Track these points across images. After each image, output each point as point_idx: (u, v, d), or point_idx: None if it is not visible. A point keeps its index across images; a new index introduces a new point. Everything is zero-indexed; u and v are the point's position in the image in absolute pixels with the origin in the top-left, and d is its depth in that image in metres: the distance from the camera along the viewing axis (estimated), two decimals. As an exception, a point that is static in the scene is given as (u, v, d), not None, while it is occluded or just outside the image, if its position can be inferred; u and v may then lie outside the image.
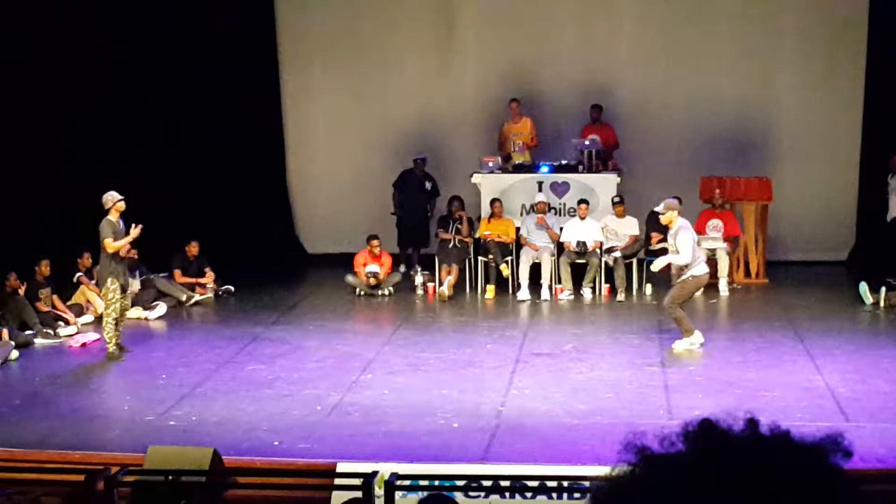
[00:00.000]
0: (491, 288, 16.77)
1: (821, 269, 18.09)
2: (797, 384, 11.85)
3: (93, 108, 17.60)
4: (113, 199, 13.29)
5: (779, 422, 1.79)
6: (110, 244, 13.16)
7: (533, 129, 18.19)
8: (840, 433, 1.78)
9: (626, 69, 18.81)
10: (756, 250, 17.47)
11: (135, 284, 15.69)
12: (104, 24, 17.48)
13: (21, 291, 14.67)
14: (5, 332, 13.62)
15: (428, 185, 17.99)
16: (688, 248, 12.99)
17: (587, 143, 17.51)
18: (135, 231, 13.29)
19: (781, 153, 18.65)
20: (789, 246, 18.54)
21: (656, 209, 13.65)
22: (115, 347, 13.33)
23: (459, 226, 17.10)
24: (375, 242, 16.90)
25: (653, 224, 16.90)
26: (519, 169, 17.65)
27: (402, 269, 17.62)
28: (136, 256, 15.88)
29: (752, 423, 1.78)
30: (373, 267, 16.79)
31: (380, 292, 16.82)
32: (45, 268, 15.16)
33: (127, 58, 17.81)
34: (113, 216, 13.26)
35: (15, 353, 13.49)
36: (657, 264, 13.69)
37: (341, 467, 9.03)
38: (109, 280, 13.25)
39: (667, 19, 18.68)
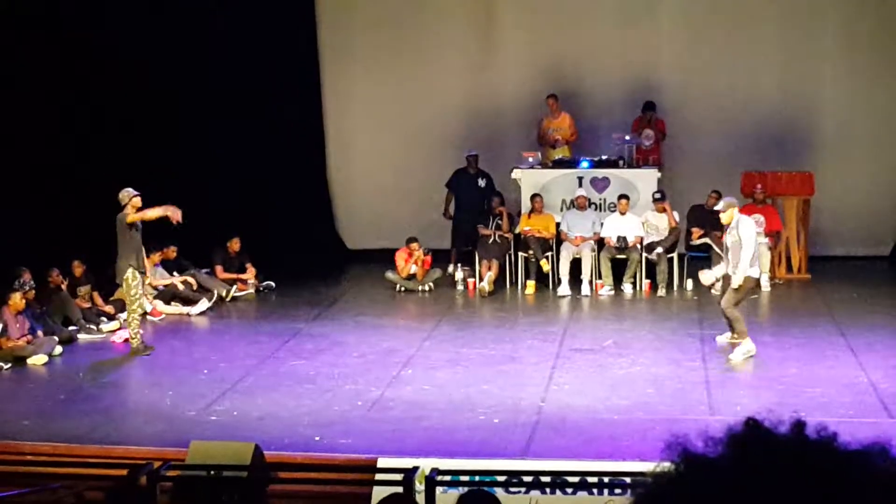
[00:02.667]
0: (531, 283, 16.76)
1: (863, 264, 17.98)
2: (839, 380, 11.77)
3: (133, 106, 17.68)
4: (129, 195, 13.29)
5: (825, 424, 1.77)
6: (133, 215, 13.06)
7: (572, 124, 18.12)
8: (888, 440, 1.75)
9: (666, 63, 18.72)
10: (798, 245, 17.37)
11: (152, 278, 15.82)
12: (142, 22, 17.54)
13: (63, 287, 14.79)
14: (41, 333, 13.71)
15: (482, 183, 17.74)
16: (752, 236, 12.63)
17: (627, 138, 17.45)
18: (172, 213, 13.18)
19: (823, 147, 18.51)
20: (831, 241, 18.41)
21: (717, 207, 13.33)
22: (139, 342, 13.40)
23: (500, 221, 17.07)
24: (415, 245, 16.83)
25: (694, 219, 16.85)
26: (559, 164, 17.59)
27: (451, 268, 17.47)
28: (174, 254, 16.01)
29: (799, 425, 1.76)
30: (412, 268, 16.79)
31: (420, 288, 16.83)
32: (77, 268, 15.29)
33: (167, 56, 17.87)
34: (130, 211, 13.27)
35: (58, 349, 13.60)
36: (707, 278, 13.46)
37: (382, 462, 9.05)
38: (130, 272, 13.26)
39: (708, 12, 18.59)
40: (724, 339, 13.15)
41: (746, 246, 12.63)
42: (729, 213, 12.80)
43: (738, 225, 12.74)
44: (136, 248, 13.38)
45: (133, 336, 13.42)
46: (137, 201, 13.26)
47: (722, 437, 1.75)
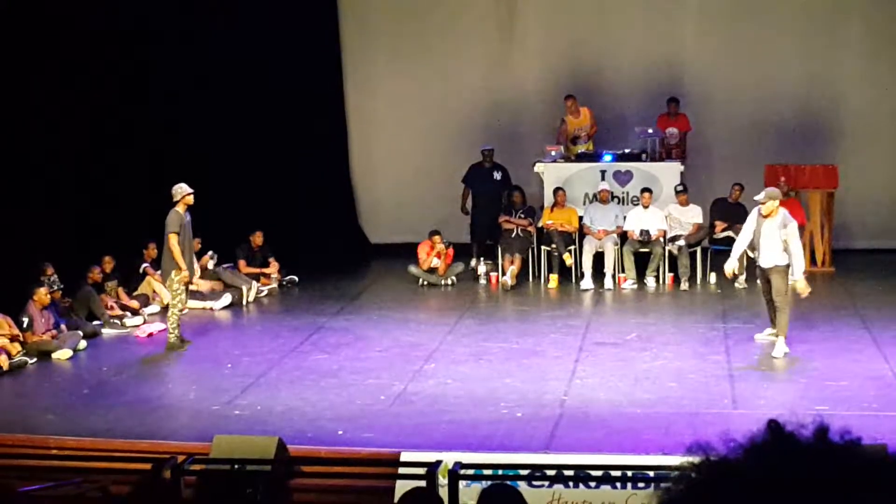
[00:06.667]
0: (554, 277, 16.74)
1: (888, 257, 17.87)
2: (864, 373, 11.73)
3: (156, 101, 17.72)
4: (182, 192, 13.30)
5: (849, 427, 1.75)
6: (175, 242, 13.20)
7: (592, 116, 18.04)
8: None
9: (689, 57, 18.67)
10: (822, 238, 17.30)
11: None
12: (164, 19, 17.56)
13: (92, 279, 14.88)
14: (64, 327, 13.77)
15: (497, 175, 17.75)
16: (796, 233, 12.45)
17: (650, 131, 17.40)
18: (184, 275, 13.32)
19: (847, 140, 18.43)
20: (855, 234, 18.35)
21: (756, 197, 12.90)
22: (176, 338, 13.45)
23: (521, 214, 17.03)
24: (437, 238, 16.85)
25: (717, 212, 16.80)
26: (582, 158, 17.56)
27: (473, 262, 17.47)
28: (198, 247, 16.05)
29: (822, 430, 1.74)
30: (434, 261, 16.80)
31: (443, 282, 16.83)
32: (108, 264, 15.36)
33: (190, 51, 17.90)
34: (180, 208, 13.27)
35: (83, 343, 13.66)
36: (729, 266, 13.17)
37: (405, 456, 9.06)
38: (174, 272, 13.35)
39: (731, 5, 18.53)
40: (763, 336, 12.99)
41: (794, 244, 12.41)
42: (769, 204, 12.50)
43: (785, 221, 12.45)
44: (188, 246, 13.42)
45: (171, 331, 13.48)
46: (190, 199, 13.29)
47: (744, 442, 1.74)
